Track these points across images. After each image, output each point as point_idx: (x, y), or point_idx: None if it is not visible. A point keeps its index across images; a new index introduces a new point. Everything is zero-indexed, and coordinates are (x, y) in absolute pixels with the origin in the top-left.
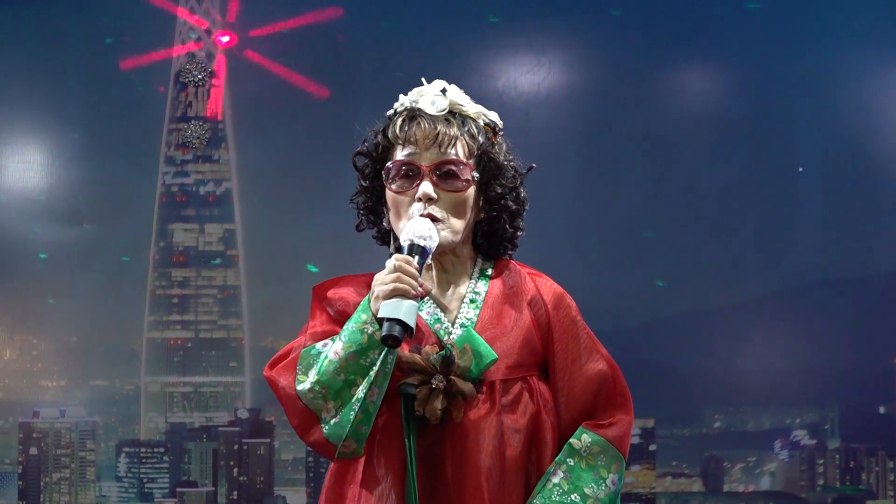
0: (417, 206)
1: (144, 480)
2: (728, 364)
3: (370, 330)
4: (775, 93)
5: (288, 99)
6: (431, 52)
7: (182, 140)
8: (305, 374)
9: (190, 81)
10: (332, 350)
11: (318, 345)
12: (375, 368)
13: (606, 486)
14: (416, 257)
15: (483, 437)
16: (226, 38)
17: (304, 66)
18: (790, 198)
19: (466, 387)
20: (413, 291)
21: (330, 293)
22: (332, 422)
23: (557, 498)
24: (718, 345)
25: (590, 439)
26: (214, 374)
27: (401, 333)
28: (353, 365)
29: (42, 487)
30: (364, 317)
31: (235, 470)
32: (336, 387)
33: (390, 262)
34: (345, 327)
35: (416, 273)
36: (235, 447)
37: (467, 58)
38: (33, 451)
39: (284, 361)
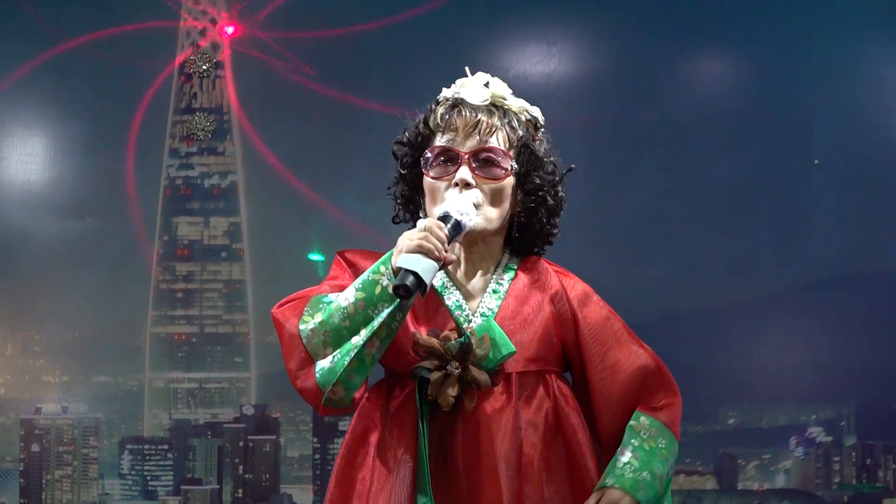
0: (454, 192)
1: (148, 478)
2: (743, 360)
3: (385, 282)
4: (791, 83)
5: (294, 91)
6: (440, 44)
7: (187, 132)
8: (311, 316)
9: (195, 72)
10: (343, 296)
11: (331, 295)
12: (381, 319)
13: (669, 468)
14: (449, 227)
15: (499, 430)
16: (230, 29)
17: (311, 58)
18: (805, 191)
19: (482, 376)
20: (437, 253)
21: (350, 256)
22: (326, 367)
23: (630, 475)
24: (733, 341)
25: (647, 422)
26: (219, 369)
27: (413, 286)
28: (360, 313)
29: (44, 485)
30: (382, 268)
31: (241, 467)
32: (337, 331)
33: (421, 222)
34: (361, 276)
35: (445, 238)
36: (241, 444)
37: (476, 49)
38: (35, 448)
39: (294, 302)
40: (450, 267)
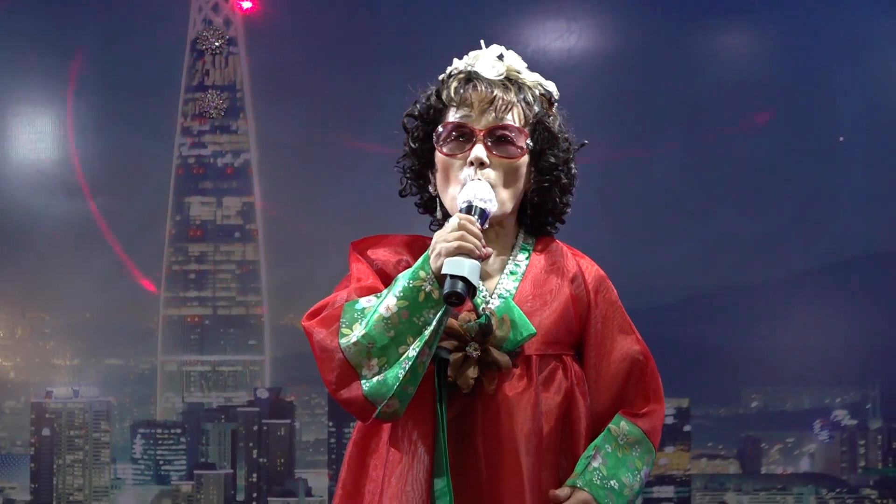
0: (468, 171)
1: (161, 462)
2: (766, 341)
3: (428, 288)
4: (816, 58)
5: (309, 67)
6: (458, 19)
7: (199, 110)
8: (350, 327)
9: (207, 49)
10: (384, 305)
11: (363, 300)
12: (430, 328)
13: (640, 478)
14: (477, 218)
15: (520, 414)
16: (247, 4)
17: (327, 33)
18: (831, 168)
19: (503, 358)
20: (477, 252)
21: (369, 252)
22: (375, 379)
23: (598, 482)
24: (756, 321)
25: (628, 428)
26: (233, 352)
27: (464, 291)
28: (404, 322)
29: (55, 470)
30: (423, 274)
31: (255, 451)
32: (382, 343)
33: (453, 221)
34: (398, 283)
35: (480, 233)
36: (255, 428)
37: (495, 24)
38: (46, 432)
39: (326, 313)
40: None
